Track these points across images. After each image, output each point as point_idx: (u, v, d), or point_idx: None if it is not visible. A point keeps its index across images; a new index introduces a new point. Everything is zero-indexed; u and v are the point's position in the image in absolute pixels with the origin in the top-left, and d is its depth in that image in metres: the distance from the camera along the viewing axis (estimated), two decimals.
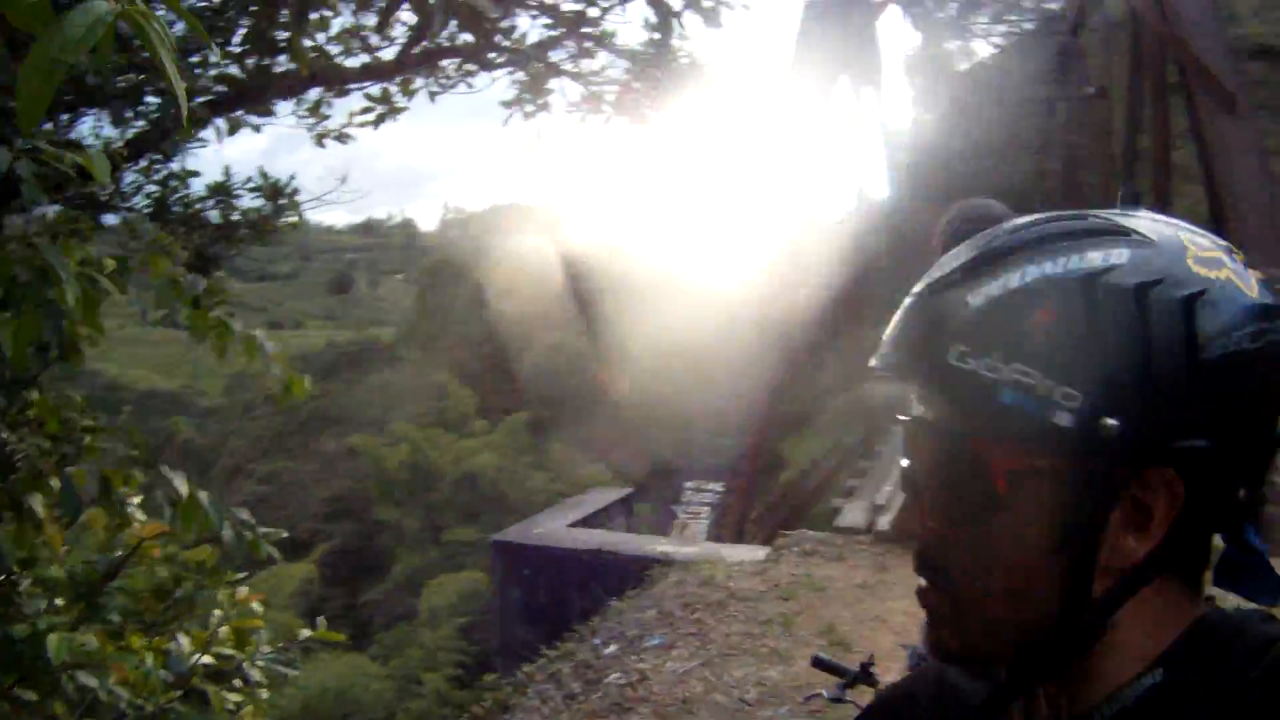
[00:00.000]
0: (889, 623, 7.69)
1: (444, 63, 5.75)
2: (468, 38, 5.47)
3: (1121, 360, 0.86)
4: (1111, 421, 0.85)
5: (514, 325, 50.65)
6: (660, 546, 10.39)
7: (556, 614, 9.93)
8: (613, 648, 7.49)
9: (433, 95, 5.83)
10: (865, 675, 3.74)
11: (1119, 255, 0.89)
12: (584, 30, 5.78)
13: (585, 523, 11.81)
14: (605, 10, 5.65)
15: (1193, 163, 21.07)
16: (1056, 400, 0.86)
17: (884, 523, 10.25)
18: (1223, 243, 0.93)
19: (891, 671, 3.79)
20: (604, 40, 5.90)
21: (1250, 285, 0.90)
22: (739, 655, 7.15)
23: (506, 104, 5.90)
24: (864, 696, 3.38)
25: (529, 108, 5.90)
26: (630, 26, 10.11)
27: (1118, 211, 0.96)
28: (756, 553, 9.97)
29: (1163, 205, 19.84)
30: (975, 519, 0.94)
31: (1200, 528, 0.92)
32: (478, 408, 44.30)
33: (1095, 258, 0.89)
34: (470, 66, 5.82)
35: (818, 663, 4.07)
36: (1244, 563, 0.97)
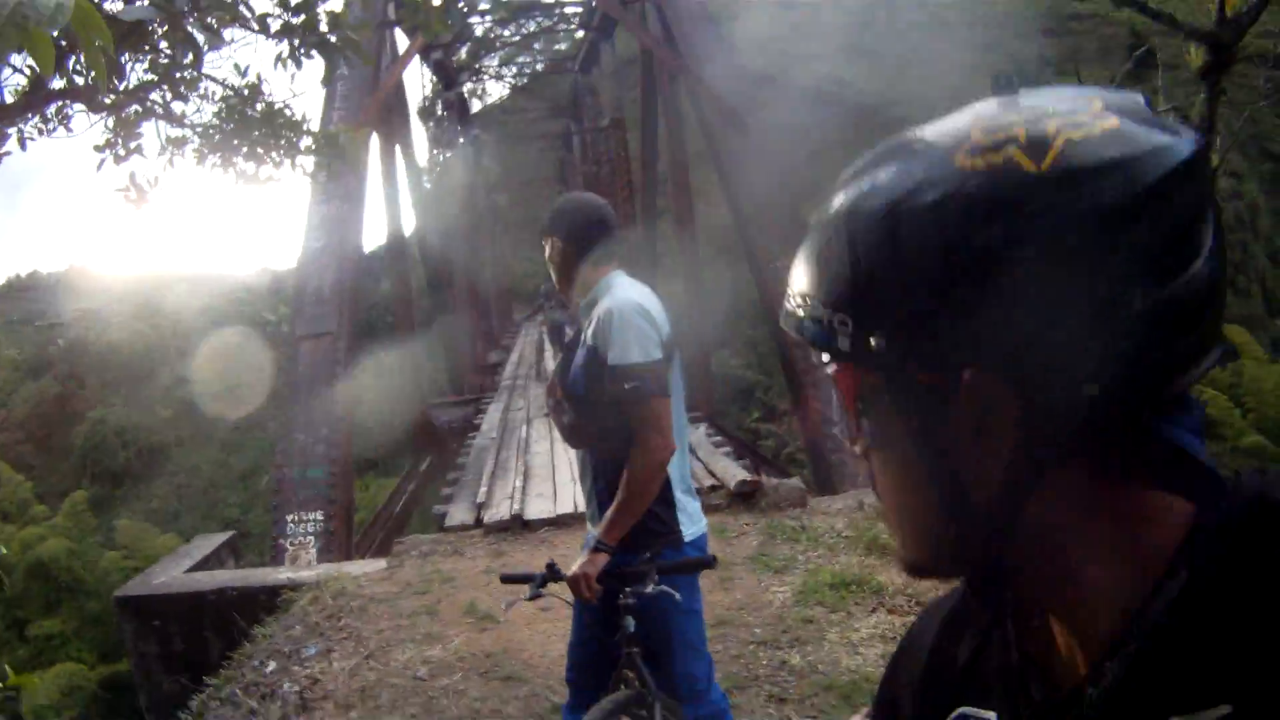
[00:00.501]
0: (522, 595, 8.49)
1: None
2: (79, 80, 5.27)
3: (880, 279, 0.89)
4: (876, 339, 0.90)
5: (56, 402, 48.69)
6: (283, 574, 10.65)
7: (198, 657, 9.83)
8: (273, 664, 7.64)
9: (23, 141, 5.57)
10: (553, 574, 4.03)
11: (883, 175, 0.92)
12: (179, 73, 5.76)
13: (199, 568, 11.78)
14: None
15: (711, 181, 22.99)
16: (835, 325, 0.93)
17: (490, 515, 11.14)
18: (1064, 104, 0.88)
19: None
20: (193, 84, 5.95)
21: (1048, 158, 0.84)
22: (398, 644, 7.63)
23: (98, 148, 5.90)
24: (564, 592, 4.01)
25: (120, 151, 5.94)
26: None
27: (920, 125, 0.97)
28: (377, 564, 10.41)
29: (689, 221, 21.65)
30: (861, 441, 1.03)
31: (1068, 427, 0.86)
32: (34, 492, 41.75)
33: (863, 185, 0.93)
34: (76, 107, 5.66)
35: (506, 578, 4.40)
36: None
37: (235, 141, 6.24)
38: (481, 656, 7.26)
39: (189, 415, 46.65)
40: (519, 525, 10.71)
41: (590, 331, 4.02)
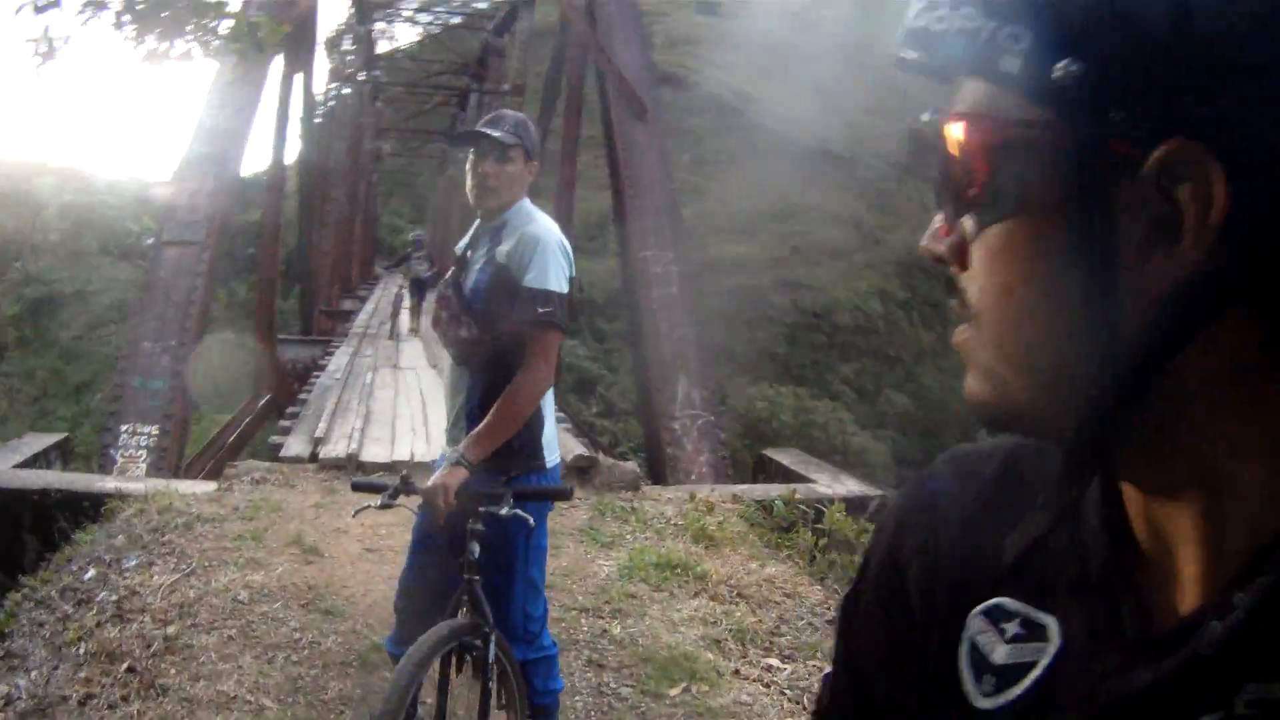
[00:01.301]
0: (349, 533, 8.36)
1: None
2: None
3: None
4: (1066, 67, 0.64)
5: None
6: (110, 483, 10.27)
7: (14, 555, 9.37)
8: (92, 571, 7.38)
9: None
10: (407, 485, 3.98)
11: None
12: None
13: (25, 466, 11.28)
14: None
15: (596, 167, 22.88)
16: (1000, 40, 0.67)
17: (326, 451, 10.95)
18: None
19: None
20: None
21: None
22: (220, 566, 7.44)
23: None
24: (412, 502, 4.00)
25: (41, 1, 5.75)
26: None
27: None
28: (207, 486, 10.16)
29: (566, 202, 21.50)
30: (977, 219, 0.75)
31: None
32: None
33: None
34: None
35: (357, 485, 4.44)
36: None
37: (158, 12, 6.01)
38: (304, 588, 7.11)
39: (33, 316, 44.70)
40: (354, 466, 10.50)
41: (504, 251, 4.03)
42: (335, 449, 11.06)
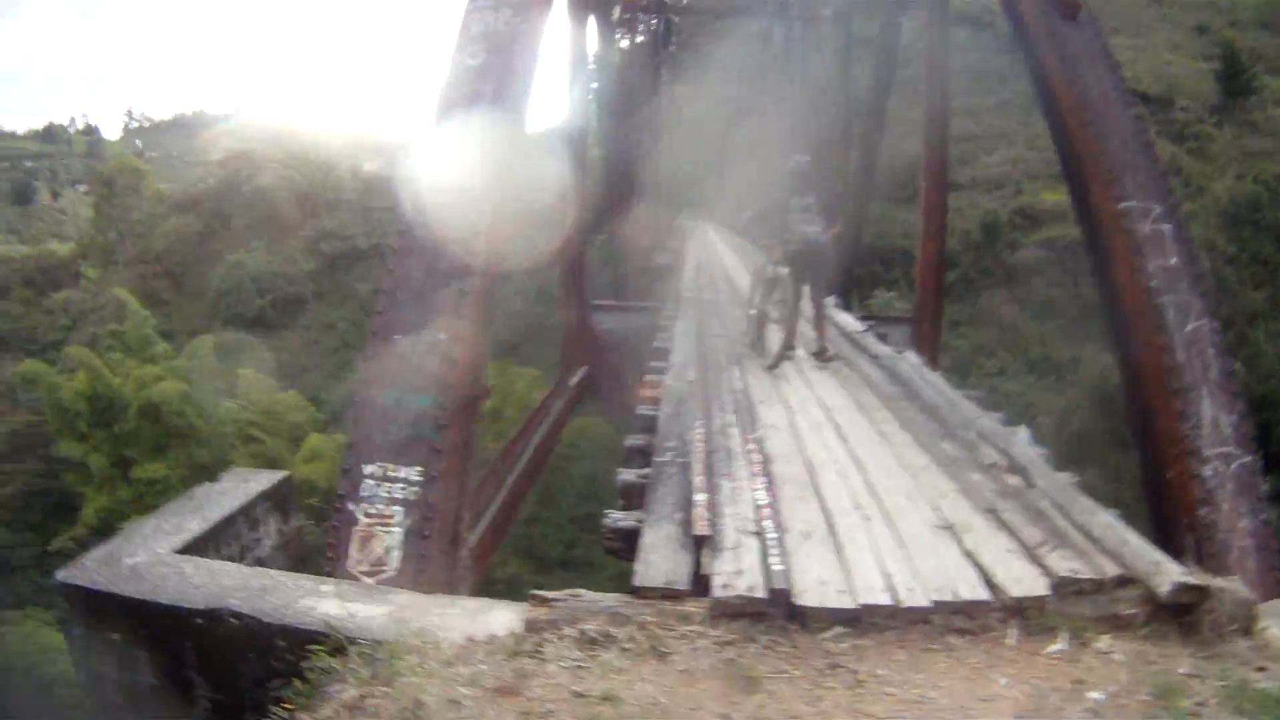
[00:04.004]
0: None
1: None
2: None
3: None
4: None
5: (198, 239, 46.01)
6: (325, 604, 5.69)
7: (181, 699, 5.83)
8: None
9: None
10: None
11: None
12: None
13: (208, 541, 7.06)
14: None
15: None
16: None
17: (723, 578, 5.33)
18: None
19: None
20: None
21: None
22: None
23: None
24: None
25: None
26: None
27: None
28: (493, 621, 5.29)
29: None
30: None
31: None
32: (159, 329, 38.10)
33: None
34: None
35: None
36: None
37: None
38: None
39: (329, 270, 43.28)
40: (782, 612, 5.01)
41: None
42: (738, 568, 5.38)
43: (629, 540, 6.42)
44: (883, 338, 14.51)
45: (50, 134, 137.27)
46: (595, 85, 26.12)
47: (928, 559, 5.61)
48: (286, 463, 31.07)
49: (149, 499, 29.21)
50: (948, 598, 5.13)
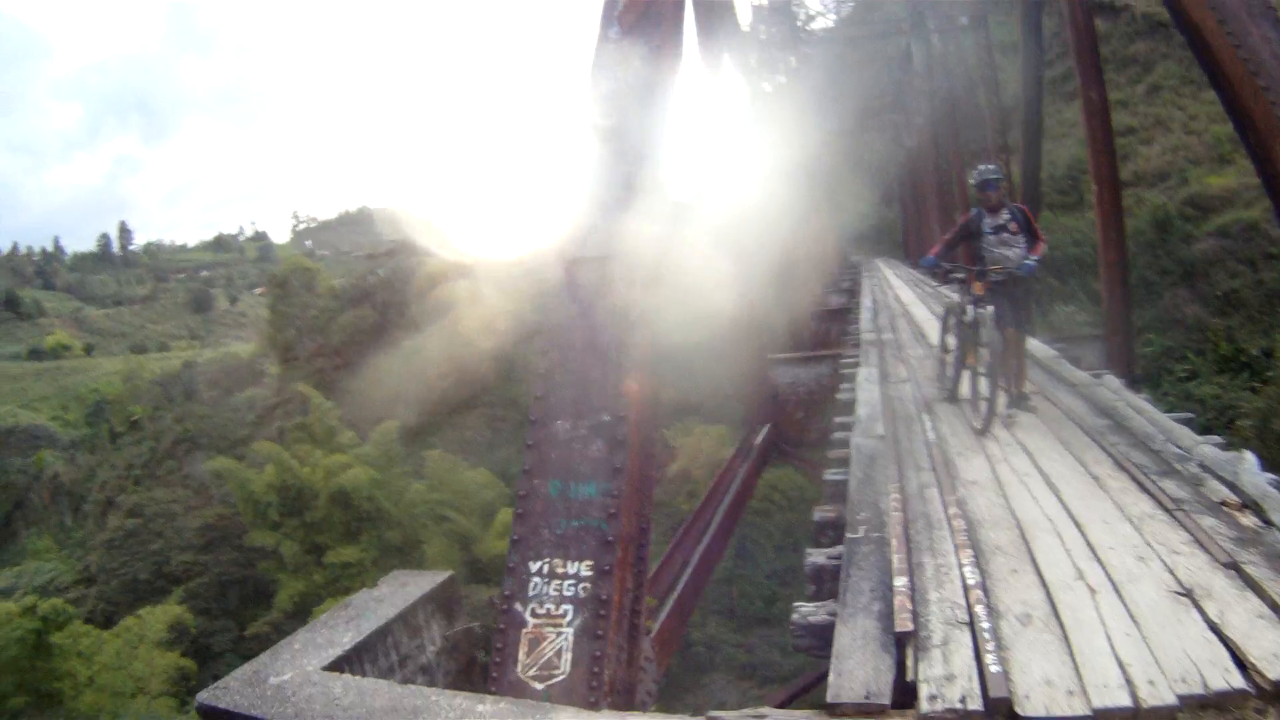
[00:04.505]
0: None
1: None
2: None
3: None
4: None
5: (373, 329, 46.78)
6: None
7: None
8: None
9: None
10: None
11: None
12: None
13: (362, 654, 6.53)
14: None
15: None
16: None
17: (933, 685, 4.63)
18: None
19: None
20: None
21: None
22: None
23: None
24: None
25: None
26: None
27: None
28: None
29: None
30: None
31: None
32: (342, 418, 38.87)
33: None
34: None
35: None
36: None
37: None
38: None
39: (508, 350, 43.63)
40: None
41: None
42: (950, 673, 4.57)
43: (821, 636, 5.62)
44: (1075, 362, 13.44)
45: (221, 243, 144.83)
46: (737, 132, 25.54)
47: (1167, 637, 4.66)
48: (479, 540, 31.44)
49: (343, 581, 30.97)
50: (1195, 690, 4.20)
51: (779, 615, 25.97)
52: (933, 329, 17.08)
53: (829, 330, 23.86)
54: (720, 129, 18.05)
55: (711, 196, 19.61)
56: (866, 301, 24.93)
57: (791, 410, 17.04)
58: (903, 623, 5.06)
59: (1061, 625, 4.96)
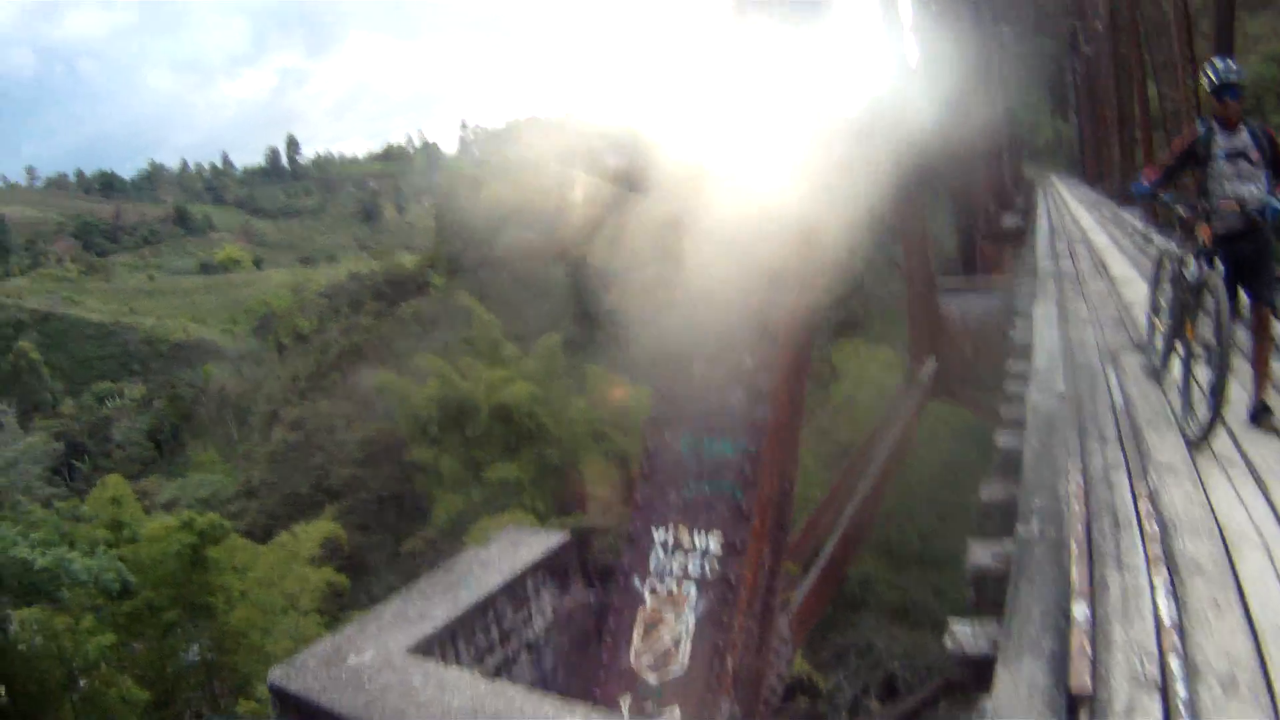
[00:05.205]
0: None
1: None
2: None
3: None
4: None
5: (540, 243, 46.31)
6: None
7: None
8: None
9: None
10: None
11: None
12: None
13: (457, 631, 5.95)
14: None
15: None
16: None
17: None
18: None
19: None
20: None
21: None
22: None
23: None
24: None
25: None
26: None
27: None
28: None
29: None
30: None
31: None
32: (506, 332, 38.60)
33: None
34: None
35: None
36: None
37: None
38: None
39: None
40: None
41: None
42: None
43: (978, 671, 4.67)
44: None
45: (389, 154, 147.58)
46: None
47: None
48: (637, 460, 30.57)
49: (501, 499, 30.98)
50: None
51: (935, 554, 24.96)
52: (1115, 259, 15.61)
53: (1002, 254, 22.21)
54: (892, 36, 16.81)
55: (889, 110, 18.43)
56: (1043, 225, 23.22)
57: (960, 343, 15.83)
58: (1079, 680, 3.96)
59: (1272, 694, 3.80)
